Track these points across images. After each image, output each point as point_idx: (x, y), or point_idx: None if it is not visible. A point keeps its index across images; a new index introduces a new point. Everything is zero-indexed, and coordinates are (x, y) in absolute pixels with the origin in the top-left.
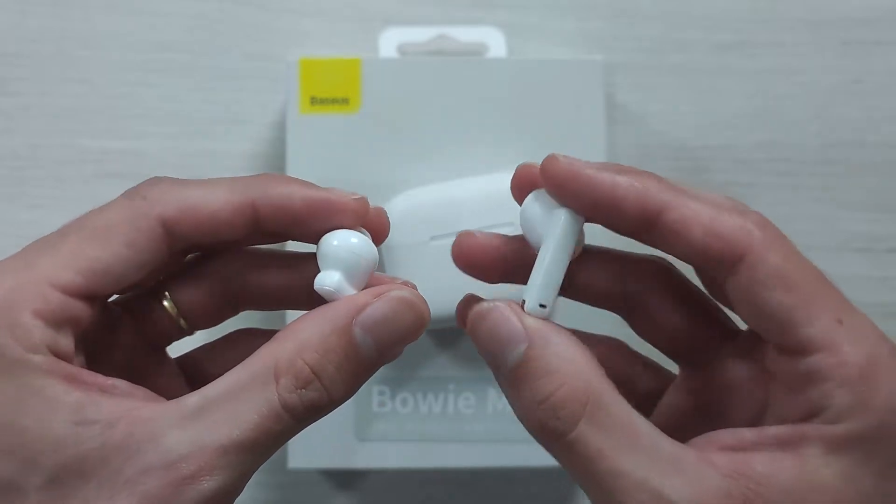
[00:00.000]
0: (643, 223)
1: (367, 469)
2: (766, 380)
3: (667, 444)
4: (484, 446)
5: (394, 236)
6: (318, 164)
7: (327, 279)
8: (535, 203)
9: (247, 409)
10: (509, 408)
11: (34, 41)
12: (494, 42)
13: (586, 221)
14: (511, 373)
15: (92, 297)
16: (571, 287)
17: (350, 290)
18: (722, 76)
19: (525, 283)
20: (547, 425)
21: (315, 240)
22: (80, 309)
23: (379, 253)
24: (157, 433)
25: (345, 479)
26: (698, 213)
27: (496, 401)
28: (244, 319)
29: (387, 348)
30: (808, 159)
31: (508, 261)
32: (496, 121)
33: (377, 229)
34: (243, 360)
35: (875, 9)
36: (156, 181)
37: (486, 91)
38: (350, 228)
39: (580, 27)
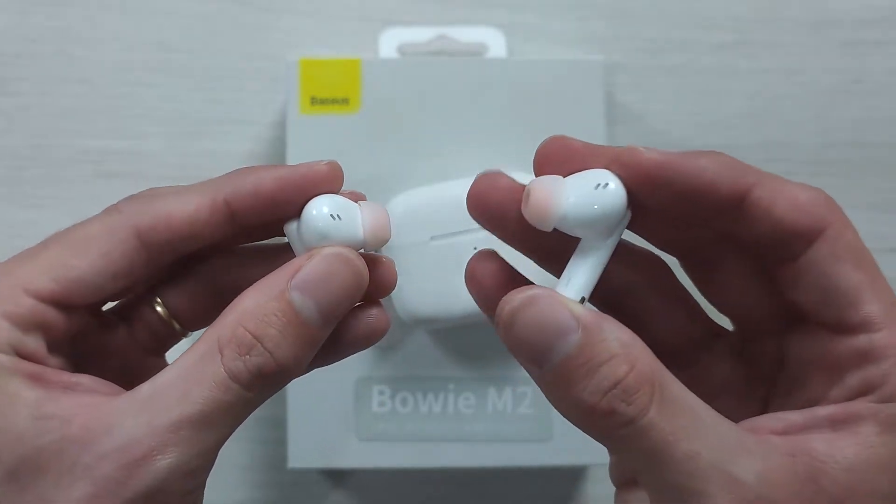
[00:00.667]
0: (733, 204)
1: (367, 469)
2: (770, 374)
3: (727, 426)
4: (484, 446)
5: (394, 236)
6: None
7: (289, 225)
8: (623, 196)
9: (195, 386)
10: (509, 408)
11: (34, 41)
12: (494, 42)
13: (663, 211)
14: (562, 364)
15: (67, 304)
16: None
17: (297, 243)
18: (722, 76)
19: (541, 253)
20: (617, 411)
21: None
22: (54, 315)
23: (376, 253)
24: (112, 423)
25: (345, 479)
26: (782, 189)
27: (496, 401)
28: None
29: (328, 308)
30: (808, 159)
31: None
32: (496, 121)
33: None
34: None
35: (875, 9)
36: (133, 196)
37: (486, 91)
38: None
39: (580, 27)
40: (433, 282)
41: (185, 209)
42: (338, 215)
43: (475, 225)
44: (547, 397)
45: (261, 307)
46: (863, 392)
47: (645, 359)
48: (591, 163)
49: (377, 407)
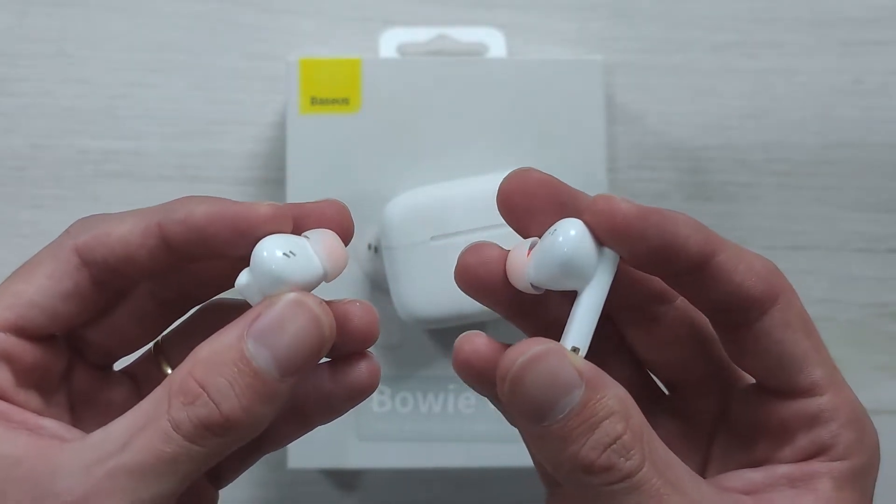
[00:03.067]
0: (698, 265)
1: (368, 469)
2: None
3: (705, 484)
4: (484, 446)
5: (394, 236)
6: (318, 165)
7: (239, 278)
8: (585, 241)
9: (138, 434)
10: None
11: (34, 41)
12: (494, 42)
13: (633, 265)
14: (564, 420)
15: (26, 331)
16: None
17: (255, 295)
18: (722, 76)
19: (538, 323)
20: (615, 467)
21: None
22: (15, 344)
23: (377, 253)
24: (57, 466)
25: (345, 478)
26: (741, 256)
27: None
28: None
29: (285, 359)
30: (808, 159)
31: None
32: (496, 121)
33: (341, 229)
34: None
35: (875, 9)
36: (83, 219)
37: (486, 91)
38: (284, 234)
39: (580, 27)
40: (433, 282)
41: (122, 228)
42: (290, 252)
43: (475, 225)
44: (536, 451)
45: (215, 355)
46: (815, 453)
47: (637, 416)
48: (546, 204)
49: (377, 407)
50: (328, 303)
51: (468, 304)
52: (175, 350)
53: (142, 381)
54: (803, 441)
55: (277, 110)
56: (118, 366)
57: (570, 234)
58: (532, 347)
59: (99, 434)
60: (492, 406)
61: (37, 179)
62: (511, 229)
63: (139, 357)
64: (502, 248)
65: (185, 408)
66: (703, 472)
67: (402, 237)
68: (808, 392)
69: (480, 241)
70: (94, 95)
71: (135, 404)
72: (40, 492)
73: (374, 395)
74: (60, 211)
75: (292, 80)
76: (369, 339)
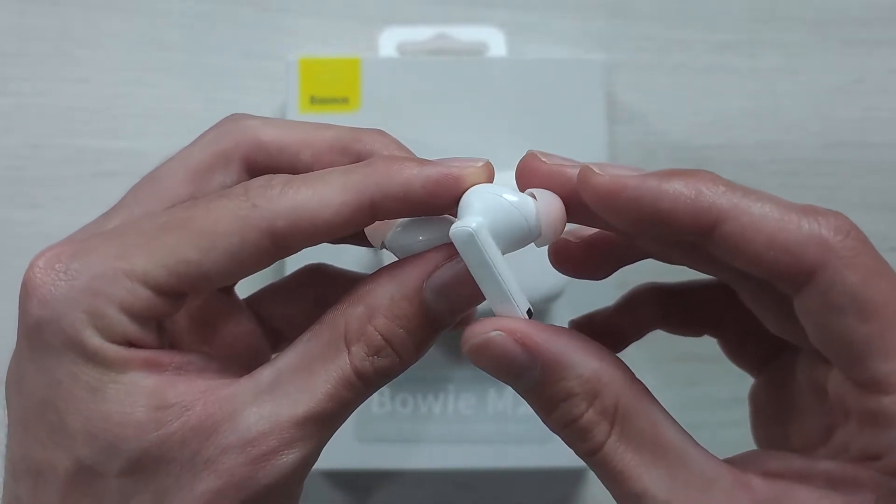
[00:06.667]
0: (699, 235)
1: (367, 469)
2: (826, 401)
3: (699, 460)
4: (484, 446)
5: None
6: None
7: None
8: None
9: (320, 380)
10: (509, 408)
11: (34, 41)
12: (494, 42)
13: (633, 238)
14: (527, 395)
15: (184, 296)
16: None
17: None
18: (722, 76)
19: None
20: (574, 446)
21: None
22: (169, 305)
23: (378, 252)
24: (234, 412)
25: (345, 479)
26: (760, 221)
27: (496, 401)
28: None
29: (460, 308)
30: (808, 159)
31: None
32: (496, 121)
33: None
34: (315, 301)
35: (875, 9)
36: (269, 186)
37: (486, 91)
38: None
39: (580, 27)
40: None
41: (327, 213)
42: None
43: None
44: None
45: (394, 304)
46: (866, 456)
47: (610, 392)
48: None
49: (377, 408)
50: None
51: None
52: (268, 305)
53: (223, 313)
54: (856, 438)
55: (277, 110)
56: None
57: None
58: (483, 331)
59: (268, 374)
60: (492, 407)
61: (36, 179)
62: None
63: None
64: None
65: (369, 359)
66: (826, 439)
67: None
68: (869, 386)
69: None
70: (93, 95)
71: (235, 327)
72: (225, 441)
73: (374, 395)
74: (59, 211)
75: (292, 79)
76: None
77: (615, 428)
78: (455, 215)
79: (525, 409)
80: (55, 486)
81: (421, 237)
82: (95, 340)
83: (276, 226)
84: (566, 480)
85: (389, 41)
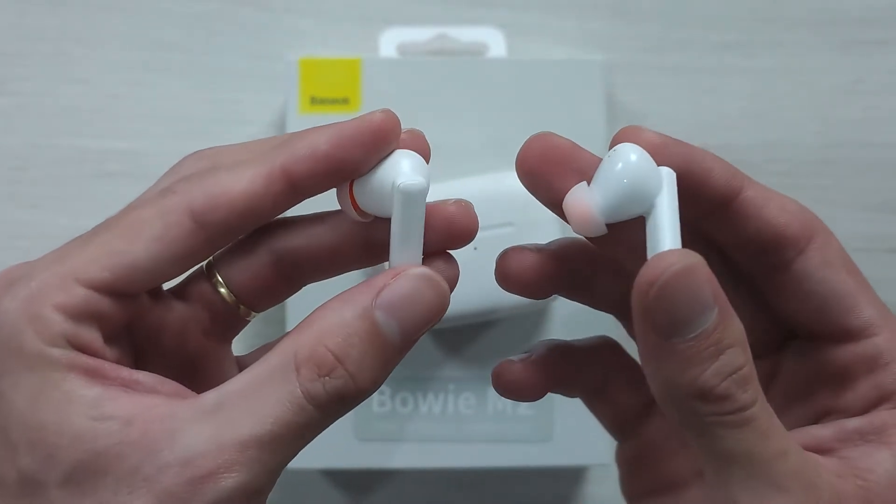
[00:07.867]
0: (724, 198)
1: (367, 469)
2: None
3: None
4: (484, 446)
5: None
6: None
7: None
8: (646, 161)
9: (267, 403)
10: (509, 408)
11: (34, 41)
12: (494, 42)
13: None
14: (694, 340)
15: (122, 292)
16: (588, 291)
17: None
18: (722, 76)
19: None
20: (733, 397)
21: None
22: (108, 304)
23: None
24: (175, 430)
25: (345, 479)
26: (770, 194)
27: (496, 401)
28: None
29: (410, 330)
30: (808, 159)
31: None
32: (496, 121)
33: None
34: (273, 260)
35: (875, 9)
36: (186, 177)
37: (486, 91)
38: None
39: (580, 27)
40: None
41: (240, 184)
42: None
43: None
44: (654, 370)
45: (344, 325)
46: (879, 399)
47: (749, 352)
48: (565, 170)
49: (377, 407)
50: (429, 206)
51: (468, 304)
52: (228, 270)
53: (193, 301)
54: (864, 387)
55: (277, 110)
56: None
57: (632, 158)
58: (684, 259)
59: (212, 396)
60: (492, 406)
61: (36, 179)
62: (510, 229)
63: (186, 277)
64: (531, 248)
65: (319, 379)
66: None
67: None
68: (862, 333)
69: (514, 247)
70: (93, 95)
71: (190, 329)
72: (163, 460)
73: (374, 395)
74: (60, 211)
75: (292, 79)
76: (469, 237)
77: (758, 386)
78: (364, 169)
79: (525, 408)
80: (6, 497)
81: (374, 183)
82: (35, 343)
83: (194, 205)
84: (566, 480)
85: (390, 41)
